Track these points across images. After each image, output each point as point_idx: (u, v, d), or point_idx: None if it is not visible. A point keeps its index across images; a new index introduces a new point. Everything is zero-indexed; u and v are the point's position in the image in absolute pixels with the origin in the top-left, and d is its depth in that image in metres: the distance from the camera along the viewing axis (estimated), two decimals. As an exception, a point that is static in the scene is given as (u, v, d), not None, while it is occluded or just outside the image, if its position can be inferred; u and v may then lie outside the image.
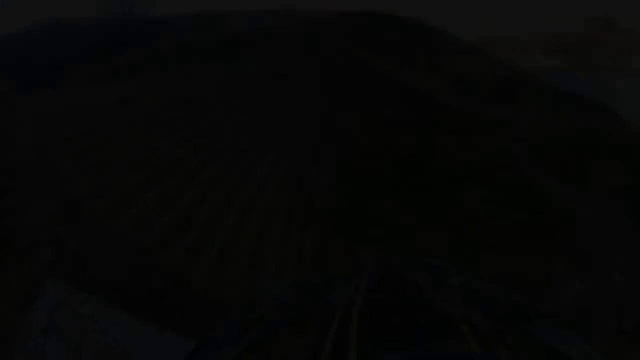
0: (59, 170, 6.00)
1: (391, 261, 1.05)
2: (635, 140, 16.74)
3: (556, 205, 13.51)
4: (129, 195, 9.59)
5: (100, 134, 11.76)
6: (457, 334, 0.61)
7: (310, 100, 17.80)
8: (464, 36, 39.29)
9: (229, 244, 10.09)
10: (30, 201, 5.62)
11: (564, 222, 12.55)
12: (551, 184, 14.95)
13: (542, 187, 14.69)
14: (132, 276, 6.24)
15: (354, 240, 9.64)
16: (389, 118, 17.69)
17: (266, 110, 16.29)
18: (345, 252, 9.08)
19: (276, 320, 1.13)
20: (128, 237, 6.57)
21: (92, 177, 8.84)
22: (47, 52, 29.46)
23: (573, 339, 1.06)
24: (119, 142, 11.67)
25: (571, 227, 12.53)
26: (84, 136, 11.06)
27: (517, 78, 27.47)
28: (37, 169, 5.68)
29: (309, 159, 13.56)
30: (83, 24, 37.17)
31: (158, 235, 8.72)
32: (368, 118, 17.23)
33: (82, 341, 4.57)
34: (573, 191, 14.26)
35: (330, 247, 9.38)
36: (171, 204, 10.34)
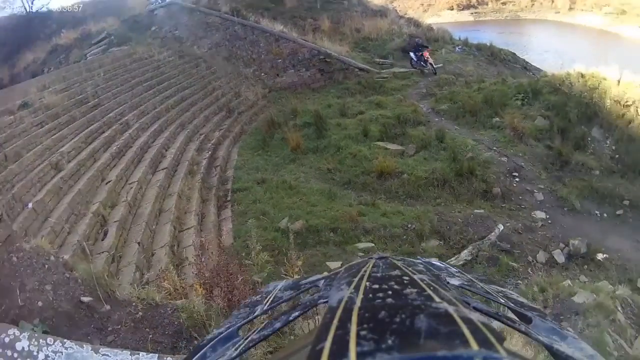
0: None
1: (391, 261, 1.17)
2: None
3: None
4: (42, 211, 9.23)
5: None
6: (457, 334, 0.61)
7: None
8: None
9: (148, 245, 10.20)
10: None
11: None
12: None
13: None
14: (57, 295, 6.26)
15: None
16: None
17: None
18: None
19: (275, 320, 1.14)
20: (46, 254, 6.61)
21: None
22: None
23: (574, 339, 1.04)
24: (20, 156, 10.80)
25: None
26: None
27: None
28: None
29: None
30: None
31: (76, 245, 8.69)
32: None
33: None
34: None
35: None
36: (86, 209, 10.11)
